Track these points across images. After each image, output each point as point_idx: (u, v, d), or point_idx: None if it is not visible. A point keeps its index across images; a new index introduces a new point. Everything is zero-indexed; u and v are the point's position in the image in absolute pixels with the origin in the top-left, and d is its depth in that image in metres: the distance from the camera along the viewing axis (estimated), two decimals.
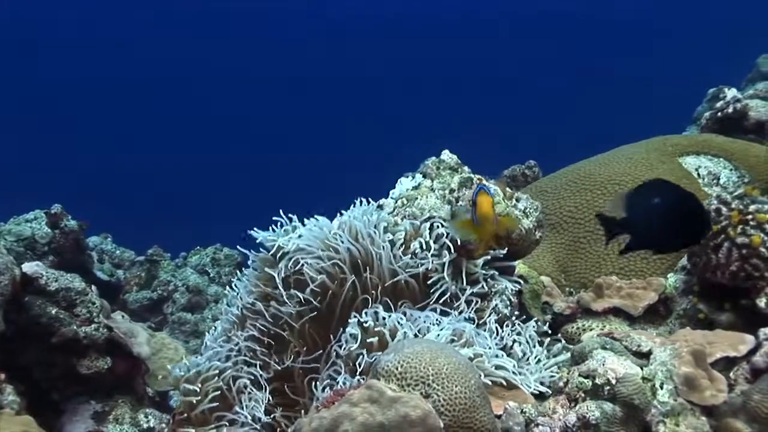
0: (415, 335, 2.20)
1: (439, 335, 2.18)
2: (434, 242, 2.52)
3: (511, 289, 2.55)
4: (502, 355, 2.27)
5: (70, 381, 3.38)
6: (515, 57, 22.87)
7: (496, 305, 2.49)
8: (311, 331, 2.60)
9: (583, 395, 2.12)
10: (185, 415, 2.48)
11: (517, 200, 2.71)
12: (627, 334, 2.32)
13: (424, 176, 2.76)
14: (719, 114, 4.70)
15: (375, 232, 2.52)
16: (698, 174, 3.67)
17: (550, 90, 21.35)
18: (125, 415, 3.42)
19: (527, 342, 2.42)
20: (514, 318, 2.52)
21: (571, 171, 3.81)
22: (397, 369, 1.81)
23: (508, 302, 2.51)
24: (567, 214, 3.52)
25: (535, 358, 2.39)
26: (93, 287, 3.62)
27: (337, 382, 2.16)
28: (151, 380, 3.73)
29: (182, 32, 22.79)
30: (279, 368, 2.56)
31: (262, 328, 2.61)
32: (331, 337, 2.54)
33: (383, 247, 2.50)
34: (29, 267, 3.41)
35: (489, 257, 2.56)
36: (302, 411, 2.42)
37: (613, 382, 2.10)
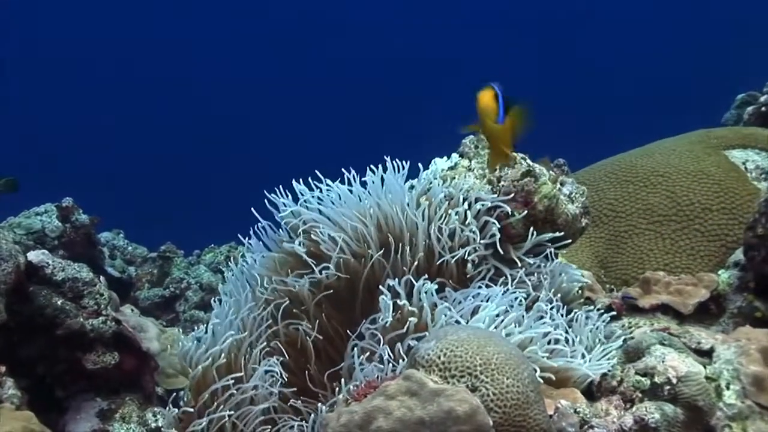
0: (457, 321, 1.98)
1: (491, 315, 1.95)
2: (474, 218, 2.31)
3: (569, 275, 2.34)
4: (555, 339, 2.05)
5: (75, 376, 3.21)
6: (526, 54, 22.62)
7: (548, 289, 2.27)
8: (328, 318, 2.39)
9: (640, 395, 1.91)
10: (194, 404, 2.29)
11: (562, 184, 2.49)
12: (686, 330, 2.12)
13: (461, 155, 2.55)
14: (763, 108, 4.50)
15: (408, 200, 2.31)
16: (745, 167, 3.45)
17: (568, 92, 21.07)
18: (132, 414, 3.24)
19: (591, 329, 2.20)
20: (559, 302, 2.30)
21: (610, 163, 3.61)
22: (439, 358, 1.59)
23: (563, 288, 2.30)
24: (607, 207, 3.32)
25: (581, 343, 2.16)
26: (102, 278, 3.46)
27: (381, 358, 1.93)
28: (161, 378, 3.56)
29: (196, 28, 22.76)
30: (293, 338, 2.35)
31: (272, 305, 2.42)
32: (348, 332, 2.32)
33: (418, 219, 2.28)
34: (35, 255, 3.27)
35: (534, 242, 2.35)
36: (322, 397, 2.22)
37: (674, 381, 1.89)
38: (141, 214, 11.45)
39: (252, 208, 2.58)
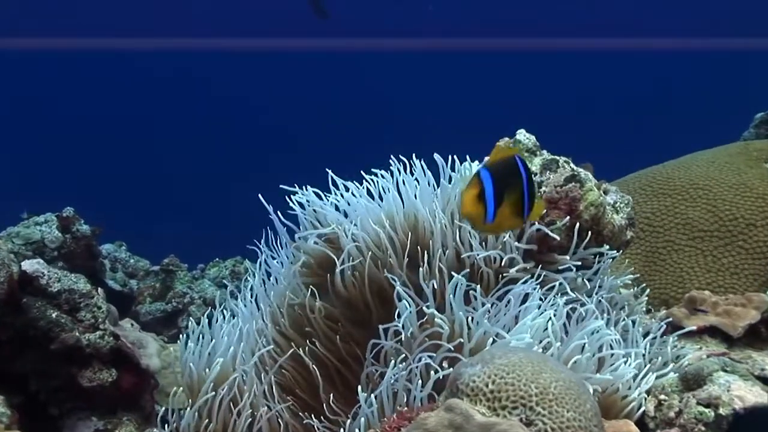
0: (492, 340, 1.76)
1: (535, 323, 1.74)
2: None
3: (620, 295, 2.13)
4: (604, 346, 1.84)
5: (69, 394, 3.00)
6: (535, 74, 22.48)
7: (601, 302, 2.06)
8: (346, 338, 2.20)
9: (702, 428, 1.69)
10: None
11: (605, 192, 2.29)
12: (747, 355, 1.91)
13: None
14: None
15: (436, 203, 2.10)
16: None
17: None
18: None
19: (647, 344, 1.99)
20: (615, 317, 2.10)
21: (644, 175, 3.42)
22: (487, 386, 1.36)
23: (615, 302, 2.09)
24: (643, 222, 3.12)
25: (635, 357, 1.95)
26: (99, 290, 3.29)
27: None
28: (161, 397, 3.35)
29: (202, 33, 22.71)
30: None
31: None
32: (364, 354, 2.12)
33: (446, 221, 2.08)
34: (29, 265, 3.08)
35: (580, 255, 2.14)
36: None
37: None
38: (144, 225, 11.26)
39: (260, 196, 2.40)
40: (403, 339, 1.94)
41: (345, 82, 22.59)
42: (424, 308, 1.92)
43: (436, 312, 1.87)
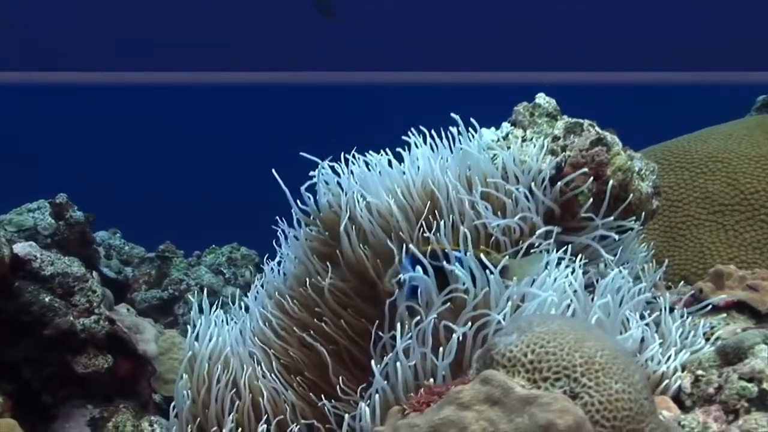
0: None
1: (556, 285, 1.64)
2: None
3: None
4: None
5: (64, 381, 2.96)
6: None
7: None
8: (357, 313, 2.10)
9: (746, 405, 1.57)
10: None
11: (630, 159, 2.19)
12: None
13: (514, 125, 2.23)
14: None
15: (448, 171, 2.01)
16: None
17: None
18: (126, 423, 2.98)
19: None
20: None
21: (660, 149, 3.34)
22: (526, 356, 1.23)
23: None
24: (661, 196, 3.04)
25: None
26: (94, 273, 3.22)
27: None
28: (158, 383, 3.35)
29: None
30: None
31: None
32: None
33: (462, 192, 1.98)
34: (21, 248, 3.03)
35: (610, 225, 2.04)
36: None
37: None
38: (139, 212, 11.14)
39: (274, 171, 2.29)
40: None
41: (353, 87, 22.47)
42: (445, 265, 1.82)
43: (457, 265, 1.76)
